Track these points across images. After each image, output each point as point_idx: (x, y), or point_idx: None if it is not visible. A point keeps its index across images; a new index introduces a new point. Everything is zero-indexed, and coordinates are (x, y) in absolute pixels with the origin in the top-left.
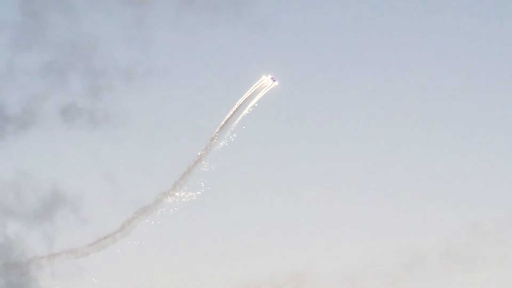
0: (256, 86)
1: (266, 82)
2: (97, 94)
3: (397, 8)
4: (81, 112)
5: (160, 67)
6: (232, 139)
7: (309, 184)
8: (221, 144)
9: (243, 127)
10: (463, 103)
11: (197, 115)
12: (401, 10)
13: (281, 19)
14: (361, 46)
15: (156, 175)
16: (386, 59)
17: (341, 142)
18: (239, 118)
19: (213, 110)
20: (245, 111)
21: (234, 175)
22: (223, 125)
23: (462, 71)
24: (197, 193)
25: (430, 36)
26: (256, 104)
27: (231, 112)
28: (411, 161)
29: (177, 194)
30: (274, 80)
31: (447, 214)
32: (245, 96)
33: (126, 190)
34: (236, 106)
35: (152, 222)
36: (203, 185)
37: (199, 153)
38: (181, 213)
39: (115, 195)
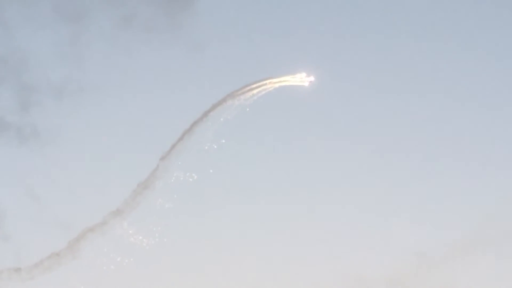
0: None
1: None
2: (27, 110)
3: None
4: (9, 127)
5: (93, 85)
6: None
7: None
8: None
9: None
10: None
11: (128, 134)
12: None
13: (217, 42)
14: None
15: (80, 194)
16: None
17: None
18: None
19: (146, 129)
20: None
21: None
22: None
23: None
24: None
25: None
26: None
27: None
28: (359, 188)
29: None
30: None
31: (394, 243)
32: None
33: (49, 207)
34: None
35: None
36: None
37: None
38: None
39: (39, 212)
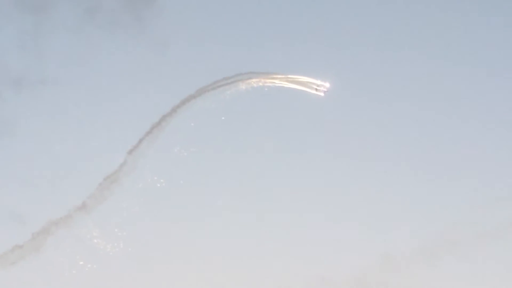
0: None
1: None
2: None
3: None
4: None
5: (54, 77)
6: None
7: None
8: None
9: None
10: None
11: (90, 128)
12: None
13: (182, 39)
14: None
15: (42, 187)
16: None
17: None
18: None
19: (108, 124)
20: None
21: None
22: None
23: None
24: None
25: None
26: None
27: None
28: (325, 190)
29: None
30: None
31: (359, 244)
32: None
33: (6, 200)
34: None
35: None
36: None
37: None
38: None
39: None
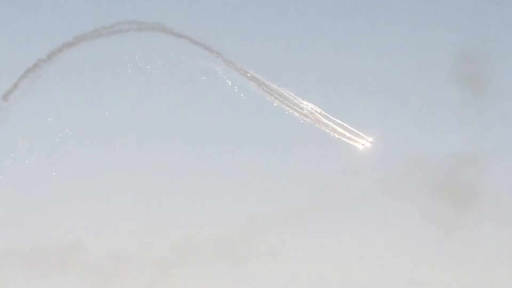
0: None
1: None
2: None
3: None
4: None
5: None
6: None
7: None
8: None
9: None
10: None
11: None
12: None
13: None
14: None
15: None
16: None
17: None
18: None
19: None
20: None
21: None
22: None
23: None
24: None
25: None
26: None
27: None
28: (194, 148)
29: None
30: None
31: (225, 204)
32: None
33: None
34: None
35: None
36: None
37: None
38: None
39: None
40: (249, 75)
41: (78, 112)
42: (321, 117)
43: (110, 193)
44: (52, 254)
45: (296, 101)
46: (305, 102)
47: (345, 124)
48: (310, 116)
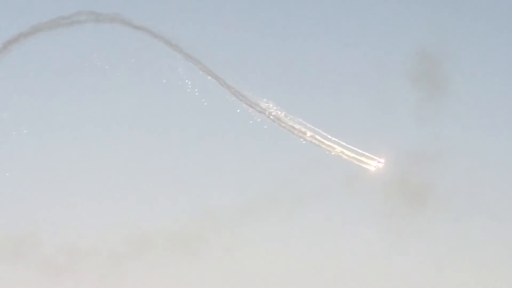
0: None
1: None
2: None
3: None
4: None
5: None
6: None
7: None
8: None
9: None
10: None
11: None
12: None
13: None
14: None
15: None
16: None
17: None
18: None
19: None
20: None
21: None
22: None
23: None
24: None
25: None
26: None
27: None
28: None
29: None
30: None
31: (179, 199)
32: None
33: None
34: None
35: None
36: None
37: None
38: None
39: None
40: (208, 70)
41: (33, 106)
42: (281, 114)
43: (64, 186)
44: (5, 246)
45: (254, 99)
46: (264, 100)
47: (304, 122)
48: (267, 113)
